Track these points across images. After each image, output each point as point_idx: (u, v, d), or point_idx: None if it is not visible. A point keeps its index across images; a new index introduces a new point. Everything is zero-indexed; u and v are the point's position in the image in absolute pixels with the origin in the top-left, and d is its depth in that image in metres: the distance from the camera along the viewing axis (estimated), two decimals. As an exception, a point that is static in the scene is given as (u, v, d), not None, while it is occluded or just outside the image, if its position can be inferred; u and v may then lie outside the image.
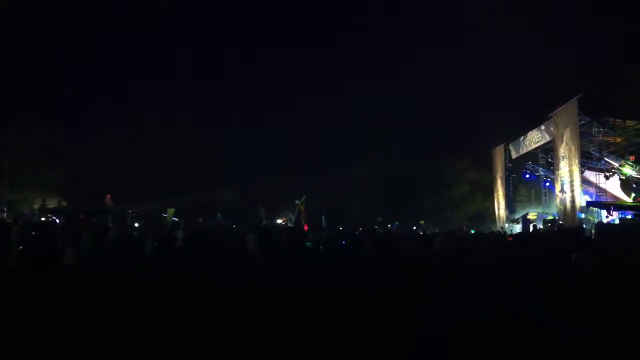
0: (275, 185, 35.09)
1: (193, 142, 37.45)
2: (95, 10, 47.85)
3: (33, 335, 5.85)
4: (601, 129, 21.55)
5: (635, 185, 23.39)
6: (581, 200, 21.67)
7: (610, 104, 21.58)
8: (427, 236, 22.17)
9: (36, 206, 27.91)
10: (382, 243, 16.56)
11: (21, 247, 12.34)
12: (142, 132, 35.81)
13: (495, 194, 34.30)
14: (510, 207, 31.32)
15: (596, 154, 23.26)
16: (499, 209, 33.43)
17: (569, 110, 21.92)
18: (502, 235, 20.52)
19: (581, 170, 22.05)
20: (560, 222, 22.78)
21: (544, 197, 29.79)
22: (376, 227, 28.11)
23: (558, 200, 24.42)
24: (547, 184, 28.71)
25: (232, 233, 19.50)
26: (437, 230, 27.06)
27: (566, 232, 18.96)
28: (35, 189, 29.19)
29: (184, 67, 50.97)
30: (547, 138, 25.24)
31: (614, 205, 21.32)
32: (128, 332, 5.94)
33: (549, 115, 23.91)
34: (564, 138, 22.46)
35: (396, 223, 32.98)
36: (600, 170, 23.96)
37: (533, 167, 29.35)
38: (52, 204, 29.26)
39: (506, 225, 30.08)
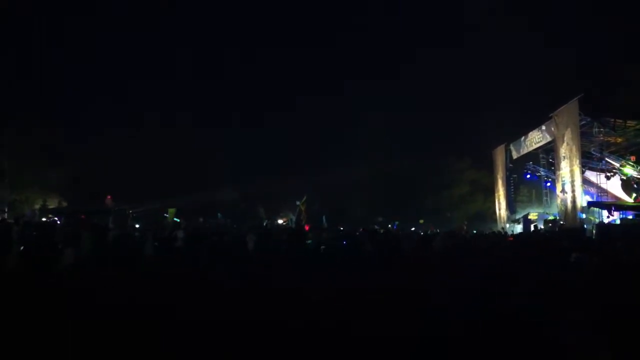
0: (275, 185, 35.12)
1: (193, 142, 37.49)
2: (95, 10, 47.98)
3: (33, 335, 5.84)
4: (602, 129, 21.54)
5: (636, 185, 23.40)
6: (582, 200, 21.66)
7: (611, 104, 21.56)
8: (427, 236, 22.18)
9: (37, 206, 27.95)
10: (383, 243, 16.56)
11: (22, 247, 12.35)
12: (142, 132, 35.84)
13: (496, 194, 34.29)
14: (511, 207, 31.31)
15: (597, 154, 23.25)
16: (499, 209, 33.43)
17: (569, 111, 21.91)
18: (503, 236, 20.52)
19: (582, 171, 22.04)
20: (561, 223, 22.77)
21: (545, 198, 29.78)
22: (376, 226, 28.11)
23: (559, 201, 24.41)
24: (548, 184, 28.71)
25: (232, 233, 19.52)
26: (437, 231, 27.05)
27: (567, 232, 18.95)
28: (36, 189, 29.20)
29: (184, 67, 51.12)
30: (548, 138, 25.24)
31: (615, 205, 21.32)
32: (128, 332, 5.93)
33: (550, 115, 23.90)
34: (565, 138, 22.45)
35: (396, 223, 32.97)
36: (601, 171, 23.96)
37: (534, 167, 29.35)
38: (52, 204, 29.29)
39: (507, 225, 30.07)
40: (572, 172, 22.09)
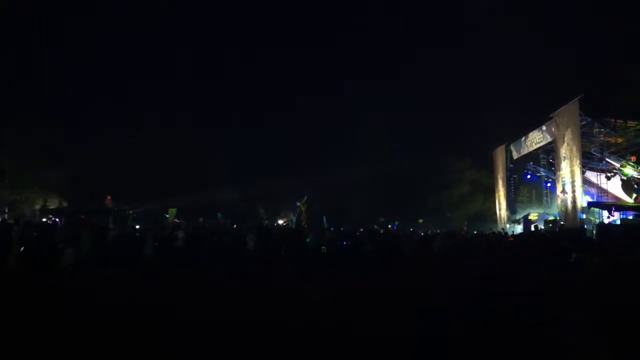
0: (275, 185, 35.11)
1: (193, 142, 37.46)
2: (95, 10, 47.95)
3: (33, 335, 5.84)
4: (602, 130, 21.52)
5: (637, 185, 23.38)
6: (582, 200, 21.65)
7: (611, 104, 21.55)
8: (427, 236, 22.18)
9: (37, 207, 27.96)
10: (383, 243, 16.57)
11: (23, 247, 12.35)
12: (142, 132, 35.78)
13: (496, 195, 34.28)
14: (512, 207, 31.30)
15: (597, 154, 23.23)
16: (500, 210, 33.42)
17: (570, 111, 21.90)
18: (503, 236, 20.50)
19: (582, 171, 22.03)
20: (562, 223, 22.76)
21: (545, 198, 29.77)
22: (376, 226, 28.11)
23: (559, 201, 24.40)
24: (549, 184, 28.69)
25: (232, 233, 19.52)
26: (437, 231, 27.04)
27: (567, 232, 18.94)
28: (36, 189, 29.19)
29: (184, 67, 51.04)
30: (548, 139, 25.23)
31: (615, 205, 21.31)
32: (128, 332, 5.93)
33: (550, 115, 23.88)
34: (565, 138, 22.45)
35: (396, 223, 32.96)
36: (602, 171, 23.95)
37: (534, 167, 29.34)
38: (52, 204, 29.30)
39: (507, 225, 30.06)
40: (572, 172, 22.09)
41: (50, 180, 29.36)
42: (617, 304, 6.64)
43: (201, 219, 30.37)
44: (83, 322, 6.35)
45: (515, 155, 30.08)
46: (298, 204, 28.09)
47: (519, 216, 30.58)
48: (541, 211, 28.93)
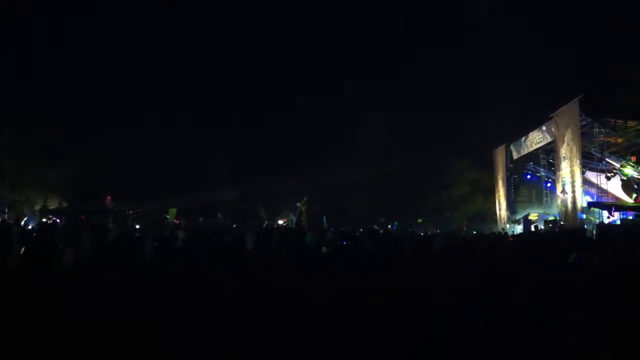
0: (275, 185, 35.10)
1: (193, 142, 37.46)
2: (95, 10, 47.94)
3: (34, 335, 5.84)
4: (602, 130, 21.52)
5: (637, 185, 23.37)
6: (582, 200, 21.65)
7: (611, 104, 21.55)
8: (427, 237, 22.17)
9: (37, 207, 27.95)
10: (383, 243, 16.57)
11: (23, 248, 12.35)
12: (142, 132, 35.79)
13: (496, 195, 34.28)
14: (512, 207, 31.30)
15: (597, 154, 23.23)
16: (500, 210, 33.42)
17: (570, 111, 21.90)
18: (503, 236, 20.50)
19: (582, 171, 22.03)
20: (562, 223, 22.76)
21: (545, 198, 29.76)
22: (376, 226, 28.10)
23: (559, 201, 24.40)
24: (549, 184, 28.69)
25: (232, 233, 19.52)
26: (437, 231, 27.03)
27: (567, 232, 18.92)
28: (36, 189, 29.17)
29: (184, 67, 51.04)
30: (548, 139, 25.23)
31: (615, 205, 21.31)
32: (128, 333, 5.93)
33: (550, 115, 23.89)
34: (565, 139, 22.45)
35: (396, 223, 32.95)
36: (602, 171, 23.94)
37: (534, 167, 29.33)
38: (52, 204, 29.28)
39: (507, 225, 30.06)
40: (572, 172, 22.09)
41: (50, 180, 29.34)
42: (617, 304, 6.63)
43: (201, 219, 30.39)
44: (83, 322, 6.35)
45: (515, 156, 30.08)
46: (298, 204, 28.11)
47: (519, 216, 30.58)
48: (541, 211, 28.93)
